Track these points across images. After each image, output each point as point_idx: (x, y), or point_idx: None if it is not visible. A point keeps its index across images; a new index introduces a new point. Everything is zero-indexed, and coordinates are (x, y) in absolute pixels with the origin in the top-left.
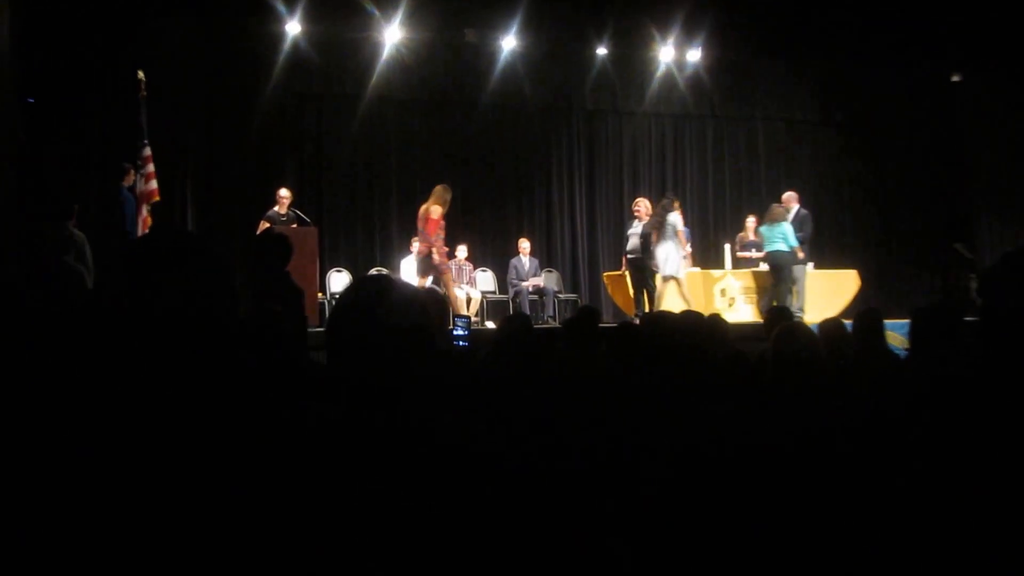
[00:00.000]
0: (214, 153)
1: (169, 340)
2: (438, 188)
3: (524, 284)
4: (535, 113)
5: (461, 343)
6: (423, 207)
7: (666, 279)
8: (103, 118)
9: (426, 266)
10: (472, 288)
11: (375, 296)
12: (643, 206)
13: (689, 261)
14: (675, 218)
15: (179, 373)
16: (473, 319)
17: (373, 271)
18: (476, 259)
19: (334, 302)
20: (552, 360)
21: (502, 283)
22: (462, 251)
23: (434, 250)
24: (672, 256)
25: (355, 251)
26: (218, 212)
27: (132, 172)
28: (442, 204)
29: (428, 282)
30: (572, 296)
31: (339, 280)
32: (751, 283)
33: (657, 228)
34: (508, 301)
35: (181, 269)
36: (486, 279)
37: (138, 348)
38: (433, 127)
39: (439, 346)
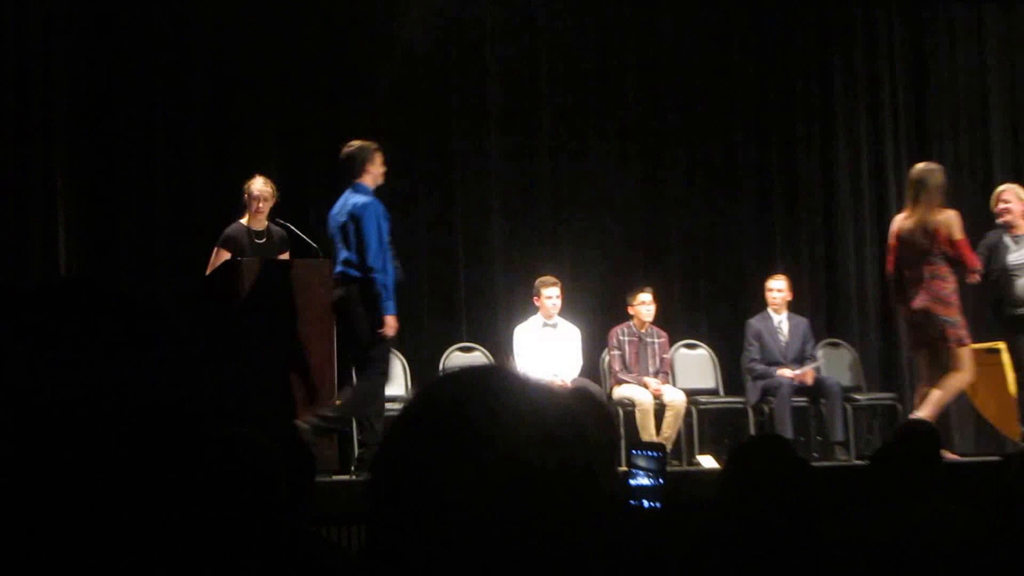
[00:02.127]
0: (114, 106)
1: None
2: (928, 173)
3: (781, 374)
4: (791, 8)
5: (646, 502)
6: (918, 215)
7: None
8: None
9: (942, 333)
10: (665, 383)
11: (476, 409)
12: (1016, 197)
13: None
14: None
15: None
16: (670, 446)
17: (455, 352)
18: (671, 320)
19: (375, 419)
20: (844, 533)
21: (731, 370)
22: (644, 305)
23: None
24: None
25: (417, 307)
26: (122, 227)
27: (379, 157)
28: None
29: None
30: (884, 397)
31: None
32: None
33: None
34: (746, 410)
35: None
36: (696, 364)
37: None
38: (578, 50)
39: (605, 505)
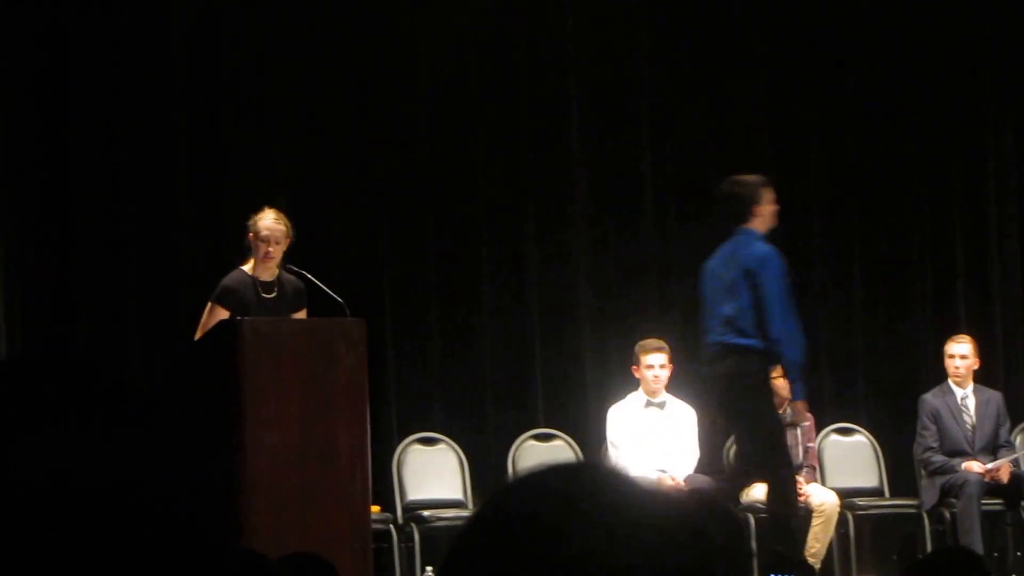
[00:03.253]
0: (67, 113)
1: None
2: None
3: (967, 468)
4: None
5: None
6: None
7: None
8: None
9: None
10: (811, 481)
11: (565, 525)
12: None
13: None
14: None
15: None
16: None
17: (529, 442)
18: (817, 398)
19: (416, 541)
20: None
21: (899, 463)
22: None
23: None
24: None
25: (478, 381)
26: (81, 272)
27: (769, 195)
28: None
29: None
30: None
31: (429, 465)
32: None
33: None
34: (920, 515)
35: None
36: (852, 455)
37: None
38: (696, 85)
39: None
